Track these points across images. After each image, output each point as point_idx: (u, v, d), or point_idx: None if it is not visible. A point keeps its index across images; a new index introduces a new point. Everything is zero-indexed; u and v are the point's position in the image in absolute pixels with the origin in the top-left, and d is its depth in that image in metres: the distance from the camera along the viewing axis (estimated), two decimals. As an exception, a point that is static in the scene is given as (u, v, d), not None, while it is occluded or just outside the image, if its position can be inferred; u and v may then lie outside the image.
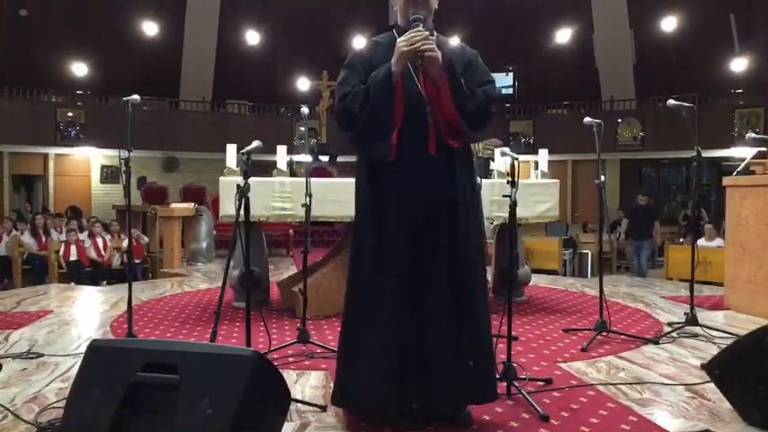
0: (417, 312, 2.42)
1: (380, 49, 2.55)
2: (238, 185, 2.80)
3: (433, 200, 2.44)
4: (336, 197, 4.59)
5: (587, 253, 11.20)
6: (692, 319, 4.27)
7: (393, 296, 2.43)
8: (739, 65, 15.98)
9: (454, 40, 2.81)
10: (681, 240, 11.70)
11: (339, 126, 2.54)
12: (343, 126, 2.52)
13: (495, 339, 2.60)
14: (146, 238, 9.35)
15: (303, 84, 17.55)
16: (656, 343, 3.93)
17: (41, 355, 3.57)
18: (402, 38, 2.41)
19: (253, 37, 17.75)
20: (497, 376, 2.87)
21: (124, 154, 3.68)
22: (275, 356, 3.49)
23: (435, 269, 2.42)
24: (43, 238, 9.34)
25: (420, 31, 2.38)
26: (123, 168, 3.69)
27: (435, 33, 2.57)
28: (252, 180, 2.88)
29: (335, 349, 3.63)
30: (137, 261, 8.94)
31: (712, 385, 2.78)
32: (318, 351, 3.62)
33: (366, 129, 2.45)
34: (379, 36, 2.66)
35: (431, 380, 2.41)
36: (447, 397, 2.45)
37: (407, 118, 2.43)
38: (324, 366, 3.40)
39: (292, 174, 8.37)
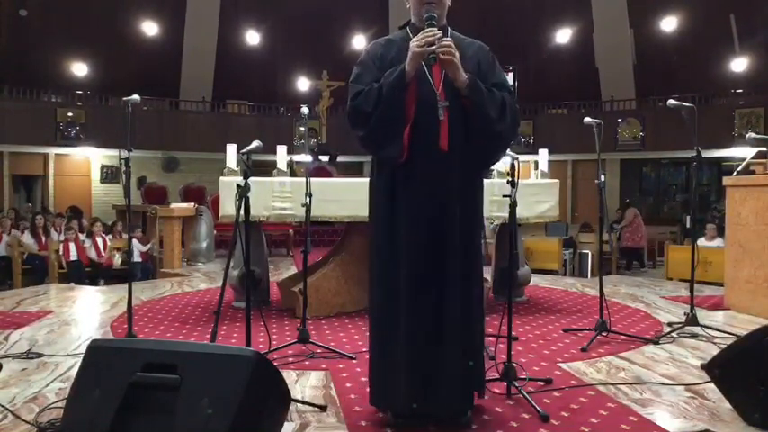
0: (425, 312, 2.41)
1: (394, 47, 2.55)
2: (238, 185, 2.81)
3: (444, 198, 2.42)
4: (336, 197, 4.59)
5: (587, 253, 11.17)
6: (692, 319, 4.27)
7: (399, 296, 2.43)
8: (739, 65, 15.97)
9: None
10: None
11: (351, 125, 2.50)
12: (355, 125, 2.48)
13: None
14: (146, 247, 9.35)
15: (303, 84, 17.58)
16: (656, 343, 3.93)
17: (41, 355, 3.57)
18: (415, 38, 2.40)
19: (253, 37, 17.76)
20: (497, 376, 2.88)
21: (124, 154, 3.68)
22: (275, 356, 3.49)
23: (449, 268, 2.41)
24: (43, 238, 9.33)
25: (433, 31, 2.36)
26: (123, 168, 3.70)
27: (450, 30, 2.57)
28: (252, 180, 2.89)
29: (336, 349, 3.66)
30: (140, 261, 8.95)
31: (712, 385, 2.78)
32: (318, 351, 3.62)
33: (378, 129, 2.42)
34: (394, 34, 2.65)
35: (432, 380, 2.41)
36: (448, 399, 2.44)
37: (419, 117, 2.41)
38: (324, 366, 3.40)
39: (292, 174, 8.38)
